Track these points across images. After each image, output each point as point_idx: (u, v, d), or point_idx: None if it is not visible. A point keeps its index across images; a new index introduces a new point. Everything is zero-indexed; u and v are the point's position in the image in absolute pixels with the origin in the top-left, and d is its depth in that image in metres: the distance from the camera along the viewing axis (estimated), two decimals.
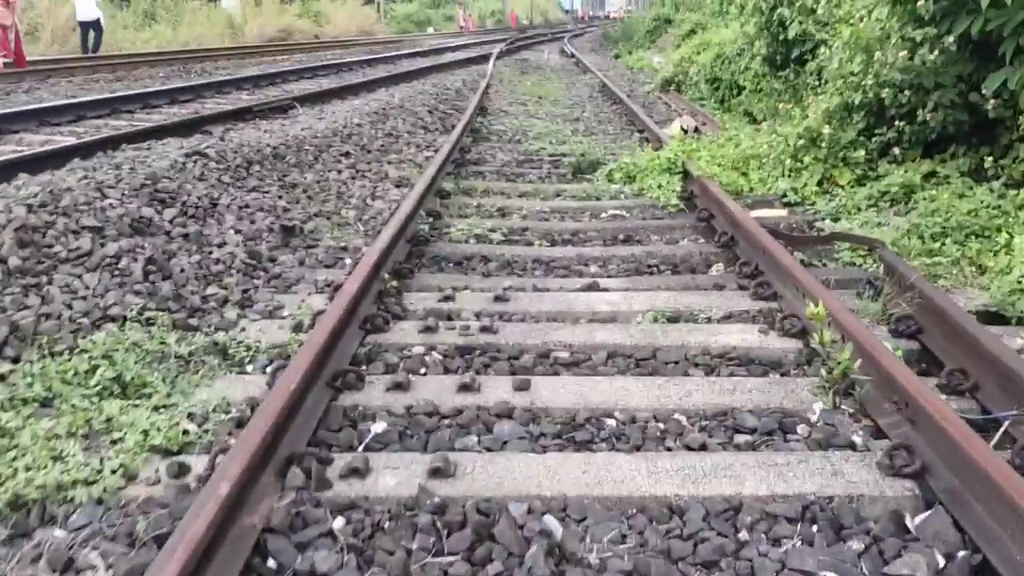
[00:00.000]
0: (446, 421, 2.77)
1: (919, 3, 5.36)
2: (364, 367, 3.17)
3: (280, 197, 5.26)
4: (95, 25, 18.79)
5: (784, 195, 6.14)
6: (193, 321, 3.44)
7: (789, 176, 6.30)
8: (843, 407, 2.84)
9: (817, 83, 7.23)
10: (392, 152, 7.33)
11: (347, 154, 6.74)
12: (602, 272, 4.62)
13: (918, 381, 2.61)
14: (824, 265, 4.58)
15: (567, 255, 4.84)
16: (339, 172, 6.27)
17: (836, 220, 5.52)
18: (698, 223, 5.51)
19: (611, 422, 2.79)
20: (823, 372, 2.98)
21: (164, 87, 11.50)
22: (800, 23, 7.54)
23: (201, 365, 3.05)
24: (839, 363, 2.85)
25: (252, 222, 4.74)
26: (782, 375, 3.17)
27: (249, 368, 3.14)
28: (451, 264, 4.67)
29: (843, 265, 4.52)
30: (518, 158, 7.86)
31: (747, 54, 11.61)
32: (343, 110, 8.93)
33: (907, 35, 5.69)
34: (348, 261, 4.56)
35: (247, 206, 4.90)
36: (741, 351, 3.34)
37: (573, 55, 22.85)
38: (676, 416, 2.81)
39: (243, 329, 3.43)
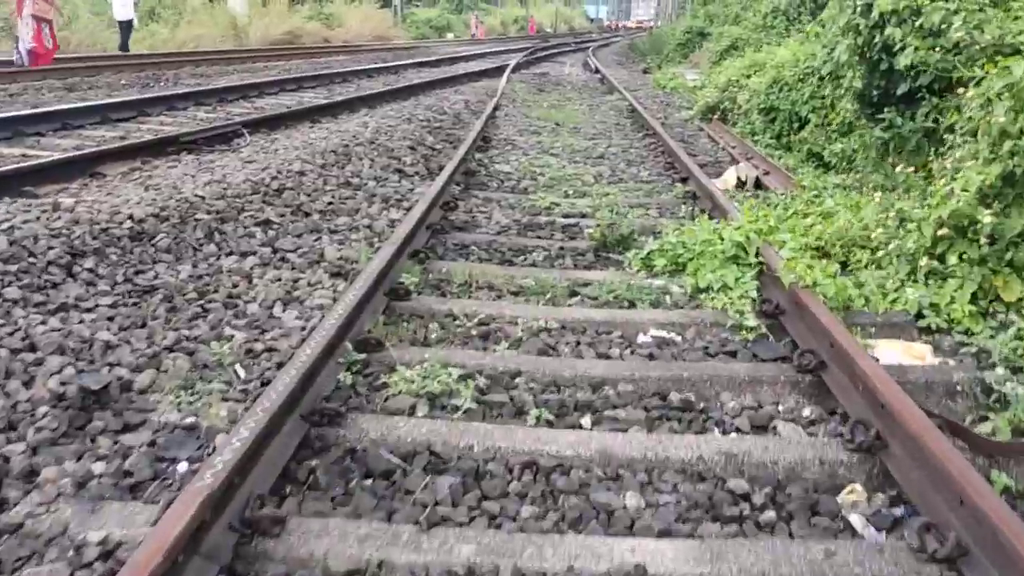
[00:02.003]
0: None
1: None
2: None
3: (110, 320, 3.17)
4: (130, 24, 19.68)
5: (919, 314, 3.99)
6: None
7: (924, 283, 4.15)
8: None
9: (952, 138, 5.11)
10: (343, 214, 5.23)
11: (266, 223, 4.64)
12: (648, 513, 2.49)
13: None
14: None
15: (582, 451, 2.73)
16: (241, 257, 4.17)
17: (1021, 370, 3.40)
18: (800, 376, 3.37)
19: None
20: None
21: (92, 102, 9.44)
22: (916, 49, 5.43)
23: None
24: None
25: (26, 383, 2.65)
26: None
27: None
28: (369, 491, 2.55)
29: None
30: (521, 221, 5.75)
31: (811, 81, 9.49)
32: (300, 142, 6.86)
33: None
34: (181, 468, 2.48)
35: (32, 347, 2.81)
36: None
37: (598, 70, 20.71)
38: None
39: None
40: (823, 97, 9.31)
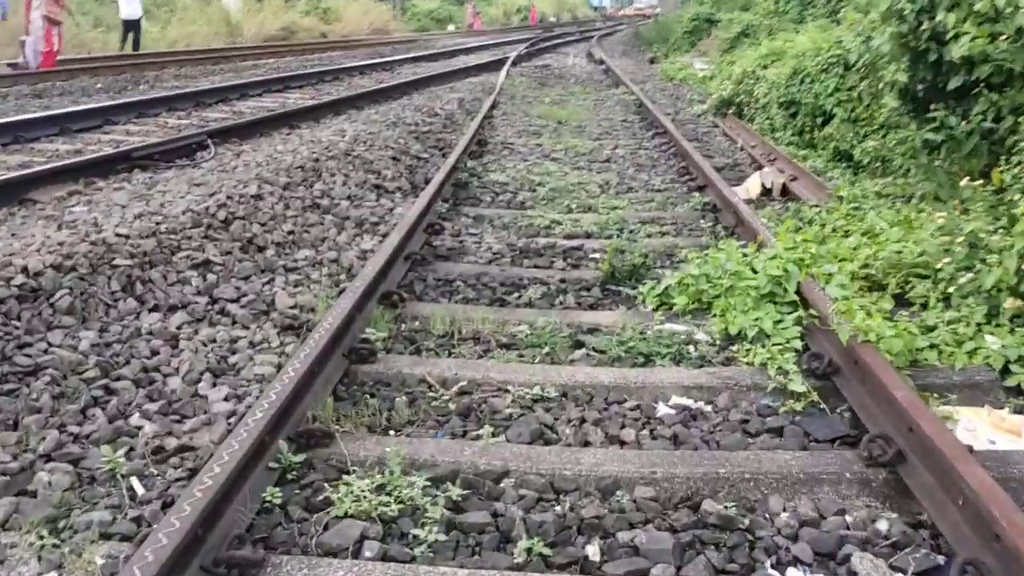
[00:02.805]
0: None
1: None
2: None
3: None
4: (138, 24, 19.21)
5: (1005, 370, 3.21)
6: None
7: (1010, 328, 3.37)
8: None
9: (1018, 141, 4.31)
10: (304, 246, 4.47)
11: (206, 264, 3.86)
12: None
13: None
14: None
15: None
16: (168, 314, 3.41)
17: None
18: (871, 473, 2.59)
19: None
20: None
21: (52, 112, 8.68)
22: (974, 37, 4.63)
23: None
24: None
25: None
26: None
27: None
28: None
29: None
30: (517, 245, 4.98)
31: (835, 70, 8.69)
32: (267, 155, 6.10)
33: None
34: None
35: None
36: None
37: (602, 61, 19.85)
38: None
39: None
40: (850, 89, 8.50)
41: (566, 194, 6.35)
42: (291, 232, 4.52)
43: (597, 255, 4.82)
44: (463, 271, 4.51)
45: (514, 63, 18.38)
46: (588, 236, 5.29)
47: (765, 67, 10.20)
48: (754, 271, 3.91)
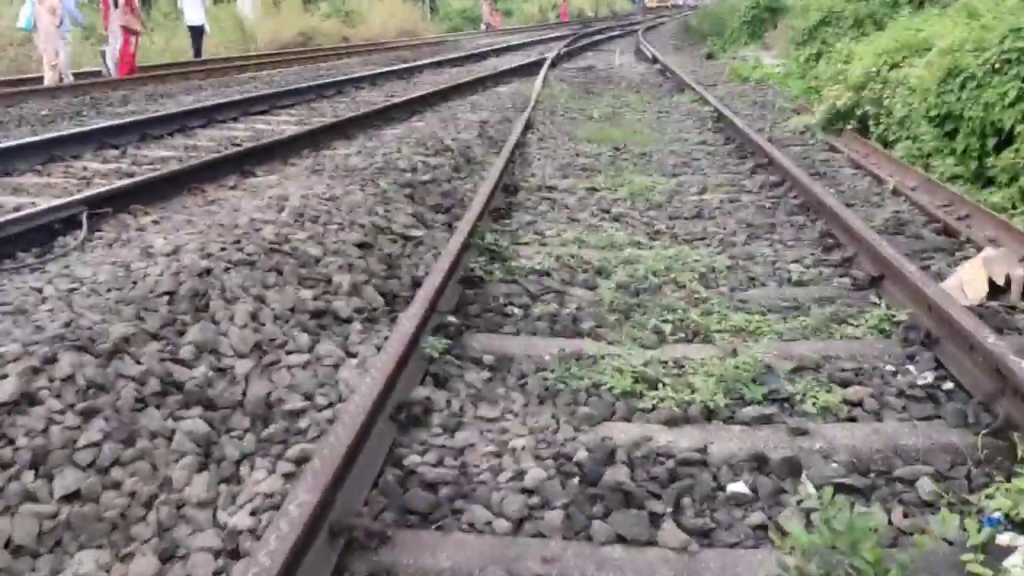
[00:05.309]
0: None
1: None
2: None
3: None
4: (201, 29, 19.24)
5: None
6: None
7: None
8: None
9: None
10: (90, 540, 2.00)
11: None
12: None
13: None
14: None
15: None
16: None
17: None
18: None
19: None
20: None
21: None
22: None
23: None
24: None
25: None
26: None
27: None
28: None
29: None
30: (571, 458, 2.44)
31: (1015, 70, 6.04)
32: (145, 247, 3.61)
33: None
34: None
35: None
36: None
37: (655, 58, 17.12)
38: None
39: None
40: None
41: (648, 295, 3.79)
42: (73, 496, 2.05)
43: (750, 496, 2.28)
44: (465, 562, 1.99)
45: (552, 65, 15.79)
46: (710, 418, 2.73)
47: (895, 65, 7.49)
48: None
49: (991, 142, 6.06)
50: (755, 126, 8.13)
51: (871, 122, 7.35)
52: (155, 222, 4.57)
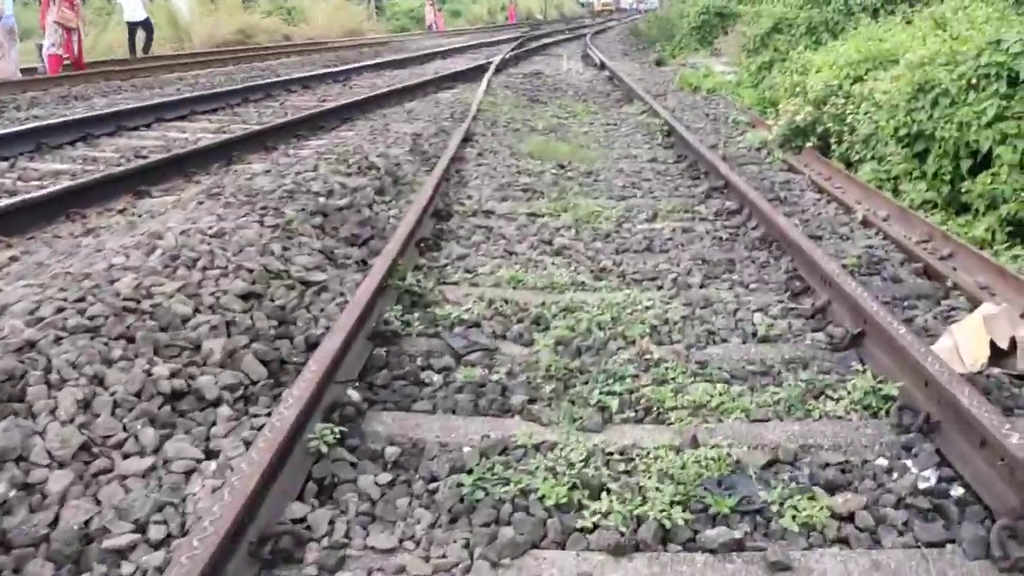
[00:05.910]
0: None
1: None
2: None
3: None
4: (144, 25, 18.62)
5: None
6: None
7: None
8: None
9: None
10: None
11: None
12: None
13: None
14: None
15: None
16: None
17: None
18: None
19: None
20: None
21: None
22: None
23: None
24: None
25: None
26: None
27: None
28: None
29: None
30: None
31: (993, 87, 5.66)
32: None
33: None
34: None
35: None
36: None
37: (603, 65, 16.61)
38: None
39: None
40: (1021, 116, 5.43)
41: (591, 356, 3.20)
42: None
43: None
44: None
45: (497, 69, 15.18)
46: (665, 542, 2.14)
47: (859, 79, 7.03)
48: None
49: (965, 164, 5.63)
50: (708, 141, 7.63)
51: (833, 140, 6.88)
52: (11, 259, 3.83)
